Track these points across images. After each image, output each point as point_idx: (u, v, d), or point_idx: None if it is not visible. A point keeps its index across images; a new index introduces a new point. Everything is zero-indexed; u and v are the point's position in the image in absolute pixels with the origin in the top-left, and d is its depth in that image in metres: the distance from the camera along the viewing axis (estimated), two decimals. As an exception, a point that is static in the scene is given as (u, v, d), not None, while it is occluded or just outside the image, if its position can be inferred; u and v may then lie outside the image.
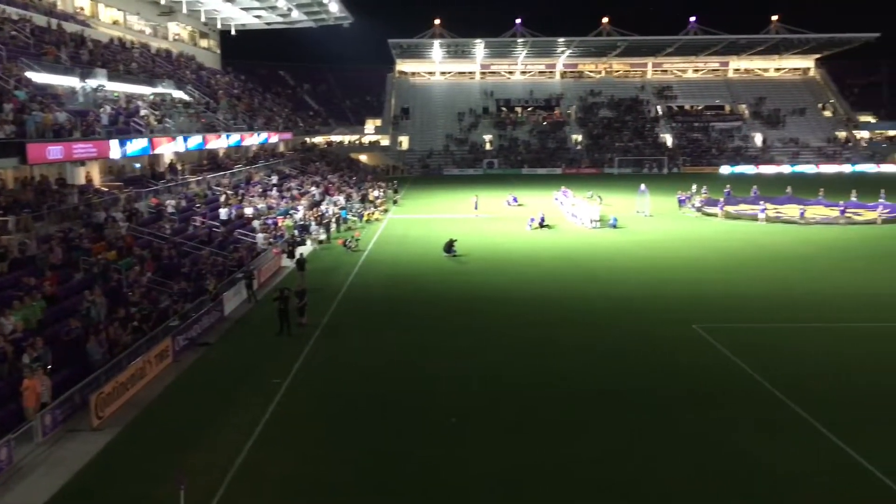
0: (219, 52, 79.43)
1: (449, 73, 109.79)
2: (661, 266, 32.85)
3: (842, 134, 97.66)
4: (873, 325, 23.23)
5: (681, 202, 52.69)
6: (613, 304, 26.28)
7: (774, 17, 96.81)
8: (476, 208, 50.46)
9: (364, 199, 54.93)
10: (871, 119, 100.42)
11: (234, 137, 50.79)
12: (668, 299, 26.75)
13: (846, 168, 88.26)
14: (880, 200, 48.60)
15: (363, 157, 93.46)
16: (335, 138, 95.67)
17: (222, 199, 40.50)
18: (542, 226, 43.73)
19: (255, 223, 38.28)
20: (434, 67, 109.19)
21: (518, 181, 76.58)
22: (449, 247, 35.60)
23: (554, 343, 21.81)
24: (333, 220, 44.06)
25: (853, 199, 50.87)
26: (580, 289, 28.65)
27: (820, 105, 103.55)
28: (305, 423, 16.43)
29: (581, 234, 42.32)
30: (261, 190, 47.29)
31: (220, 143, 47.97)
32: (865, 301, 26.15)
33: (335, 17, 77.87)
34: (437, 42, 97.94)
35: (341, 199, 52.11)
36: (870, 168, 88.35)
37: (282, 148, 71.15)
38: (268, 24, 78.33)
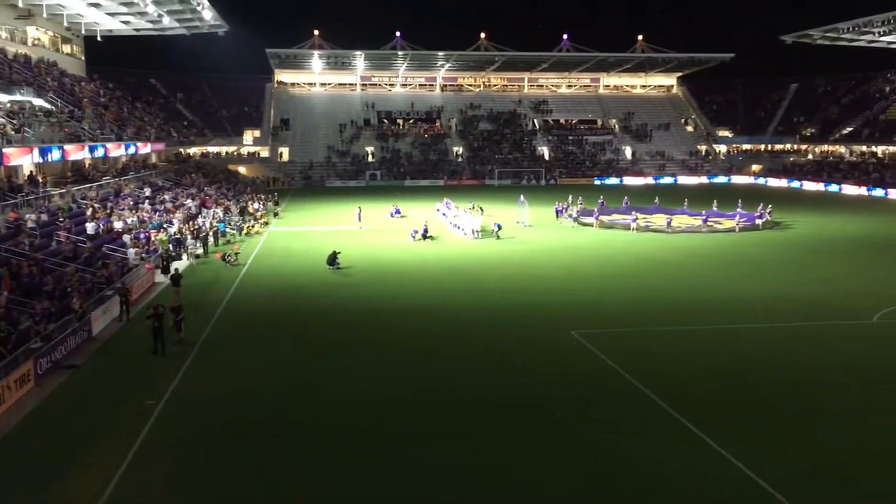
0: (83, 58, 75.26)
1: (329, 84, 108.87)
2: (540, 275, 33.80)
3: (702, 147, 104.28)
4: (736, 327, 24.82)
5: (558, 213, 54.49)
6: (495, 312, 26.78)
7: (640, 37, 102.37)
8: (360, 220, 50.21)
9: (243, 212, 53.42)
10: (728, 134, 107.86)
11: (102, 148, 48.17)
12: (547, 307, 27.53)
13: (705, 179, 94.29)
14: (738, 210, 52.16)
15: (242, 169, 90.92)
16: (212, 149, 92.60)
17: (89, 212, 38.27)
18: (425, 237, 44.03)
19: (126, 237, 36.41)
20: (314, 78, 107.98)
21: (401, 193, 76.85)
22: (332, 259, 35.20)
23: (438, 353, 21.95)
24: (211, 233, 42.57)
25: (714, 208, 54.40)
26: (463, 298, 29.02)
27: (682, 120, 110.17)
28: (182, 447, 15.66)
29: (463, 244, 42.94)
30: (132, 203, 45.06)
31: (85, 153, 45.36)
32: (728, 304, 27.92)
33: (209, 25, 75.56)
34: (316, 53, 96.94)
35: (219, 211, 50.46)
36: (727, 180, 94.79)
37: (154, 159, 68.15)
38: (137, 30, 74.97)
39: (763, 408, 17.48)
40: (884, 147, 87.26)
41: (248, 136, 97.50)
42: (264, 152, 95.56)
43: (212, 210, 50.42)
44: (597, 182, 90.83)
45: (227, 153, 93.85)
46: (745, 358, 21.38)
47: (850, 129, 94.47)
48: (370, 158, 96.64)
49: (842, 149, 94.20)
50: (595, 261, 37.36)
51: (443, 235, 45.85)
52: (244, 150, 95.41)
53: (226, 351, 22.36)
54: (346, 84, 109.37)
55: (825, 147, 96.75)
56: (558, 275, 33.79)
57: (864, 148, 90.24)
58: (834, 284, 31.48)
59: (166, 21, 70.78)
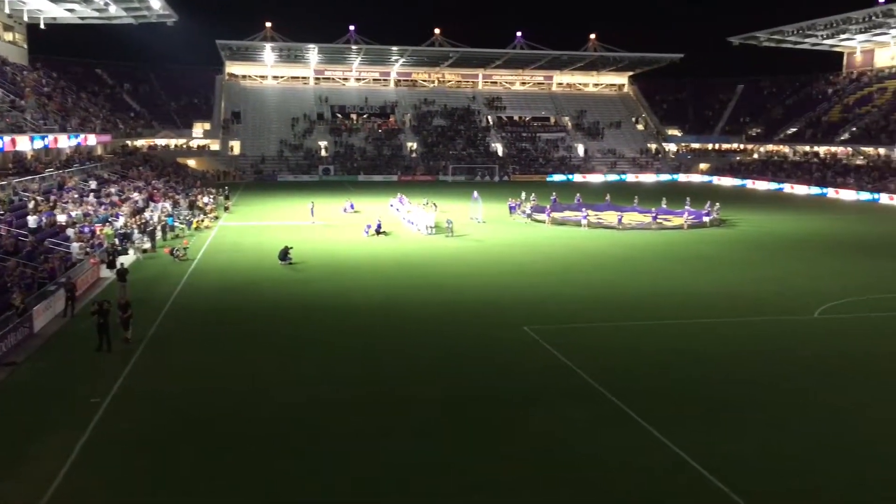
0: (25, 46, 72.84)
1: (282, 77, 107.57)
2: (493, 271, 33.97)
3: (653, 146, 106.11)
4: (684, 322, 25.32)
5: (511, 209, 54.83)
6: (448, 308, 26.82)
7: (592, 36, 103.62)
8: (312, 215, 49.74)
9: (192, 206, 52.41)
10: (677, 133, 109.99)
11: (45, 139, 46.73)
12: (500, 303, 27.68)
13: (654, 177, 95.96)
14: (686, 207, 53.22)
15: (191, 162, 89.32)
16: (160, 141, 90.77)
17: (31, 205, 37.13)
18: (378, 232, 43.86)
19: (70, 231, 35.41)
20: (266, 71, 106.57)
21: (355, 188, 76.40)
22: (284, 254, 34.80)
23: (389, 349, 21.89)
24: (159, 227, 41.67)
25: (663, 206, 55.41)
26: (416, 294, 28.99)
27: (633, 119, 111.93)
28: (128, 446, 15.28)
29: (417, 240, 42.89)
30: (76, 196, 43.83)
31: (27, 144, 43.96)
32: (677, 300, 28.46)
33: (157, 15, 73.86)
34: (268, 45, 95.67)
35: (167, 205, 49.42)
36: (676, 177, 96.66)
37: (100, 151, 66.46)
38: (82, 18, 72.89)
39: (710, 401, 17.86)
40: (825, 147, 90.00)
41: (198, 128, 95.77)
42: (214, 145, 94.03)
43: (160, 204, 49.37)
44: (549, 179, 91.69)
45: (175, 146, 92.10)
46: (694, 353, 21.81)
47: (794, 129, 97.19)
48: (323, 153, 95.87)
49: (786, 149, 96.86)
50: (547, 257, 37.69)
51: (396, 231, 45.72)
52: (194, 143, 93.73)
53: (173, 348, 21.93)
54: (298, 77, 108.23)
55: (770, 147, 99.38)
56: (511, 271, 34.00)
57: (806, 148, 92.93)
58: (778, 281, 32.35)
59: (113, 10, 69.00)
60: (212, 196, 59.39)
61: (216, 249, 38.93)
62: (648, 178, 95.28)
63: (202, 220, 47.97)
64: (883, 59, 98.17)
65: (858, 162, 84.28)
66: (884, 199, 69.76)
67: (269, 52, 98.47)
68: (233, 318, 25.35)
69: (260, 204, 61.71)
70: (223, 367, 20.23)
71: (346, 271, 33.43)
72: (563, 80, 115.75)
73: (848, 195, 73.64)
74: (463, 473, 14.16)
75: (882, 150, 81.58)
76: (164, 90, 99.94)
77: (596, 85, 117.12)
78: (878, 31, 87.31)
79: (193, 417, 16.69)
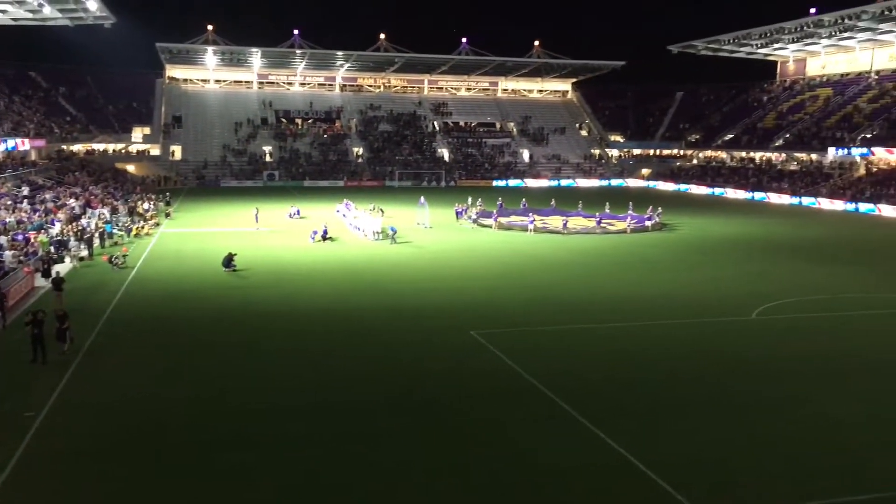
0: (-47, 47, 70.04)
1: (224, 81, 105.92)
2: (440, 276, 34.03)
3: (596, 151, 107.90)
4: (628, 325, 25.77)
5: (458, 214, 55.05)
6: (395, 314, 26.74)
7: (537, 43, 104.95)
8: (257, 221, 49.04)
9: (132, 213, 51.14)
10: (620, 139, 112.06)
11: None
12: (447, 307, 27.74)
13: (598, 182, 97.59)
14: (629, 212, 54.24)
15: (131, 167, 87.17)
16: (97, 146, 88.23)
17: (-41, 212, 35.70)
18: (325, 238, 43.49)
19: (3, 239, 34.15)
20: (208, 75, 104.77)
21: (300, 193, 75.66)
22: (228, 261, 34.21)
23: (335, 355, 21.70)
24: (97, 234, 40.52)
25: (607, 210, 56.38)
26: (363, 300, 28.82)
27: (577, 125, 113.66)
28: (64, 461, 14.78)
29: (364, 246, 42.68)
30: (9, 202, 42.31)
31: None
32: (621, 303, 28.95)
33: (94, 17, 71.77)
34: (210, 49, 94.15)
35: (106, 211, 48.09)
36: (622, 182, 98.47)
37: (34, 156, 64.32)
38: (14, 19, 70.33)
39: (653, 401, 18.21)
40: (761, 153, 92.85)
41: (138, 133, 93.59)
42: (155, 150, 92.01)
43: (97, 210, 48.02)
44: (496, 184, 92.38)
45: (114, 151, 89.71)
46: (637, 354, 22.23)
47: (731, 135, 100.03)
48: (268, 158, 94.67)
49: (723, 154, 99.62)
50: (494, 262, 37.94)
51: (343, 237, 45.42)
52: (133, 148, 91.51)
53: (112, 358, 21.30)
54: (242, 81, 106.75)
55: (708, 152, 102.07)
56: (458, 276, 34.11)
57: (743, 154, 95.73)
58: (717, 283, 33.22)
59: (47, 11, 66.75)
60: (152, 202, 58.11)
61: (157, 257, 38.04)
62: (592, 183, 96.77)
63: (142, 227, 46.82)
64: (814, 68, 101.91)
65: (792, 167, 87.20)
66: (816, 202, 72.33)
67: (210, 55, 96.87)
68: (175, 326, 24.79)
69: (203, 210, 60.58)
70: (165, 376, 19.75)
71: (292, 278, 33.05)
72: (508, 86, 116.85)
73: (782, 199, 76.16)
74: (412, 475, 14.12)
75: (814, 156, 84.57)
76: (101, 94, 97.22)
77: (540, 91, 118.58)
78: (809, 40, 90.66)
79: (134, 428, 16.23)
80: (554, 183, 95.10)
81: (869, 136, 78.45)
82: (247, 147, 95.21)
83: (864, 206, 67.36)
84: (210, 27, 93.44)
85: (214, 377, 19.79)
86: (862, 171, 77.61)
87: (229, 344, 22.80)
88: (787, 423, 16.87)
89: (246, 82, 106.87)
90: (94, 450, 15.23)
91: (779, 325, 26.04)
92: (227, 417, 16.97)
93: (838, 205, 70.00)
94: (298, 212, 55.71)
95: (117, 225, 45.21)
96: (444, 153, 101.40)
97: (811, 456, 15.24)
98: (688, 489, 13.52)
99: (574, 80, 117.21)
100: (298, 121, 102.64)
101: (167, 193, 67.00)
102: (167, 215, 55.52)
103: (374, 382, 19.48)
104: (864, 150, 76.02)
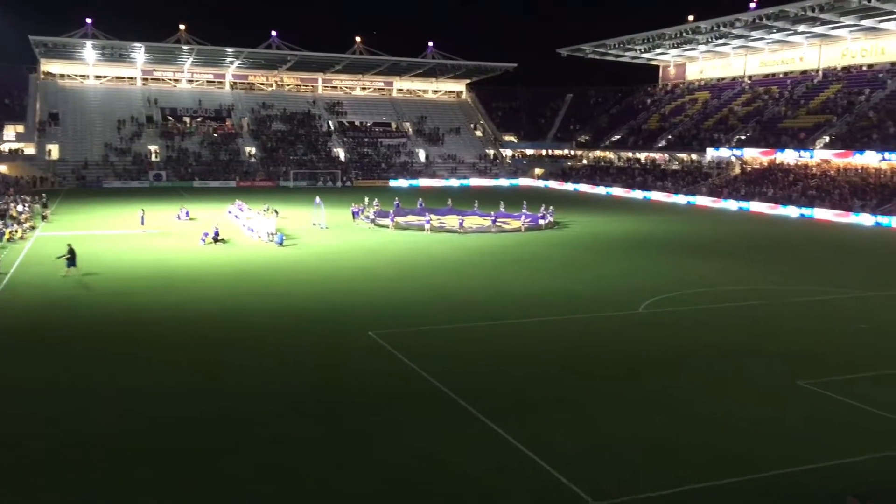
0: None
1: (105, 77, 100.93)
2: (337, 277, 33.63)
3: (490, 152, 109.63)
4: (523, 321, 26.25)
5: (354, 214, 54.60)
6: (290, 316, 26.21)
7: (430, 44, 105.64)
8: (143, 223, 46.93)
9: (4, 215, 47.83)
10: (513, 139, 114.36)
11: None
12: (344, 308, 27.42)
13: (494, 181, 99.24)
14: (523, 211, 55.37)
15: (3, 168, 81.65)
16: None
17: None
18: (216, 240, 42.11)
19: None
20: (87, 70, 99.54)
21: (189, 194, 73.04)
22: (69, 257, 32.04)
23: (227, 361, 21.00)
24: (-37, 240, 37.68)
25: (501, 209, 57.37)
26: (256, 303, 28.08)
27: (472, 125, 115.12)
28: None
29: (258, 247, 41.62)
30: None
31: None
32: (517, 300, 29.45)
33: (-41, 6, 66.91)
34: (89, 43, 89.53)
35: (-27, 215, 44.80)
36: (516, 182, 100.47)
37: None
38: None
39: (550, 396, 18.61)
40: (646, 154, 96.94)
41: (10, 131, 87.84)
42: (29, 149, 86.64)
43: (-36, 213, 44.67)
44: (392, 183, 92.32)
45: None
46: (533, 350, 22.69)
47: (618, 136, 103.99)
48: (154, 157, 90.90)
49: (611, 155, 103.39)
50: (392, 262, 37.85)
51: (236, 239, 44.12)
52: (5, 147, 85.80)
53: (-18, 372, 19.84)
54: (124, 77, 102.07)
55: (597, 153, 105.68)
56: (355, 276, 33.81)
57: (629, 154, 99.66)
58: (607, 278, 34.42)
59: None
60: (27, 204, 54.64)
61: (33, 262, 35.74)
62: (487, 182, 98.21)
63: (16, 231, 43.87)
64: (693, 73, 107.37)
65: (674, 167, 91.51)
66: (696, 200, 76.25)
67: (90, 49, 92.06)
68: (49, 337, 23.25)
69: (83, 212, 57.46)
70: (36, 391, 18.49)
71: (182, 282, 31.79)
72: (403, 86, 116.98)
73: (666, 198, 79.84)
74: (311, 482, 13.84)
75: (694, 156, 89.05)
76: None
77: (435, 91, 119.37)
78: (688, 46, 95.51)
79: (6, 447, 15.16)
80: (450, 182, 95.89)
81: (743, 137, 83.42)
82: (131, 146, 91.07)
83: (738, 205, 71.46)
84: (89, 20, 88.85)
85: (90, 392, 18.56)
86: (737, 170, 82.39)
87: (108, 356, 21.46)
88: (681, 418, 17.56)
89: (129, 78, 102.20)
90: (-38, 471, 14.11)
91: (663, 318, 27.21)
92: (104, 434, 15.98)
93: (716, 202, 74.04)
94: (188, 213, 53.73)
95: (-13, 229, 42.19)
96: (340, 153, 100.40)
97: (706, 449, 15.89)
98: (589, 485, 13.72)
99: (468, 81, 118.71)
100: (187, 119, 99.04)
101: (43, 195, 63.08)
102: (43, 218, 52.35)
103: (264, 387, 18.96)
104: (739, 150, 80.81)
